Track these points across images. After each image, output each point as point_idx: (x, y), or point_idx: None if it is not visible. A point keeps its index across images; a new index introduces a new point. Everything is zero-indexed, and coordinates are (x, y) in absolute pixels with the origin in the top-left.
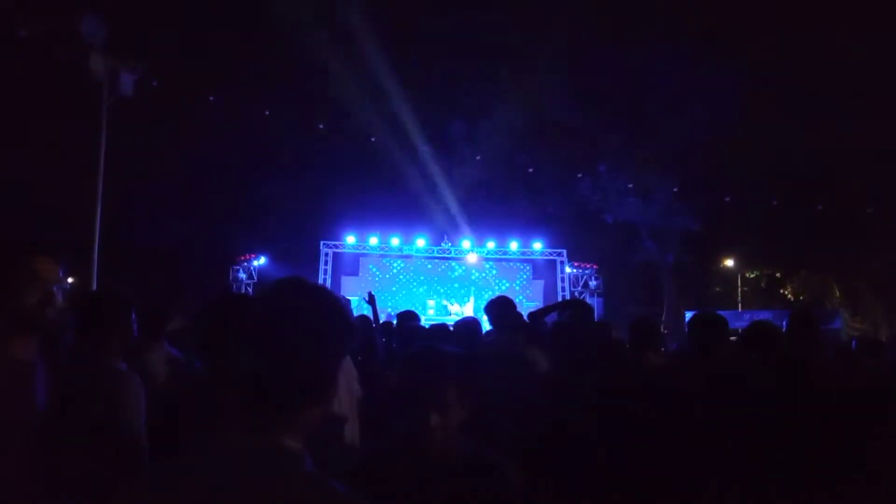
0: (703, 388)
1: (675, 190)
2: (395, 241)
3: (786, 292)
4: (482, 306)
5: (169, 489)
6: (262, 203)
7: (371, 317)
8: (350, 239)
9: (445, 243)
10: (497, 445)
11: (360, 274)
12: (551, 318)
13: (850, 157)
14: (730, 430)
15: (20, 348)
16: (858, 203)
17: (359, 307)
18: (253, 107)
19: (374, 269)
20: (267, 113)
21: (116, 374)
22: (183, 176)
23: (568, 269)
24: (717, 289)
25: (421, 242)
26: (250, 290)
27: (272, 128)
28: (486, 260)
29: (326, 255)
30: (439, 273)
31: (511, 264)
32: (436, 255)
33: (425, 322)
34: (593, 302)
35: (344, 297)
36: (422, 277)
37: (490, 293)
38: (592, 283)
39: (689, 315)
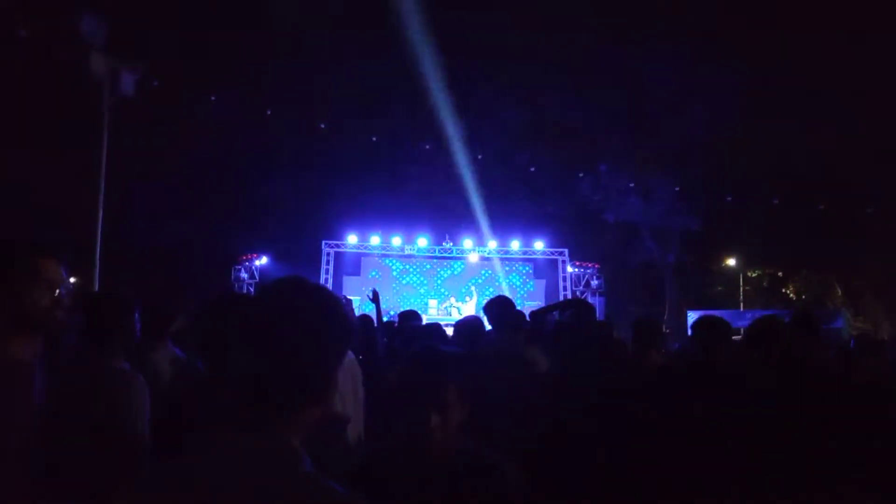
0: (704, 388)
1: (677, 189)
2: (396, 241)
3: (788, 292)
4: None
5: (169, 489)
6: (263, 203)
7: (374, 315)
8: (352, 238)
9: (447, 242)
10: (497, 445)
11: (362, 274)
12: (553, 317)
13: (851, 157)
14: (730, 430)
15: (21, 348)
16: (859, 203)
17: (360, 307)
18: (254, 106)
19: (376, 269)
20: (268, 112)
21: (118, 375)
22: (184, 176)
23: (569, 269)
24: (719, 288)
25: (422, 242)
26: (252, 289)
27: (273, 127)
28: (488, 259)
29: (328, 254)
30: (441, 272)
31: (512, 264)
32: (437, 254)
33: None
34: (595, 301)
35: (345, 297)
36: (423, 278)
37: (491, 292)
38: (594, 283)
39: (690, 315)
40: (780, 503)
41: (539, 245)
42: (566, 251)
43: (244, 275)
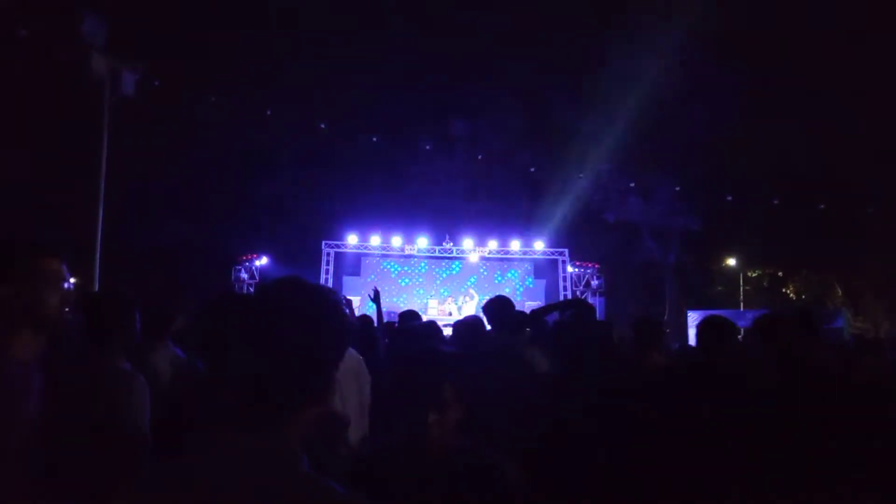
0: (704, 389)
1: (677, 189)
2: (396, 241)
3: (788, 292)
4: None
5: (169, 489)
6: (263, 203)
7: (375, 315)
8: (352, 238)
9: (447, 242)
10: (497, 445)
11: (362, 274)
12: (552, 317)
13: (851, 157)
14: (730, 431)
15: (22, 348)
16: (859, 203)
17: (361, 307)
18: (254, 106)
19: (375, 270)
20: (268, 112)
21: (118, 374)
22: (185, 176)
23: (569, 269)
24: (719, 288)
25: (422, 242)
26: (252, 290)
27: (274, 127)
28: (488, 259)
29: (328, 254)
30: (440, 272)
31: (512, 264)
32: (437, 254)
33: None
34: (595, 301)
35: (345, 297)
36: (423, 278)
37: (491, 292)
38: (594, 283)
39: (690, 314)
40: (780, 503)
41: (539, 245)
42: (566, 251)
43: (244, 275)
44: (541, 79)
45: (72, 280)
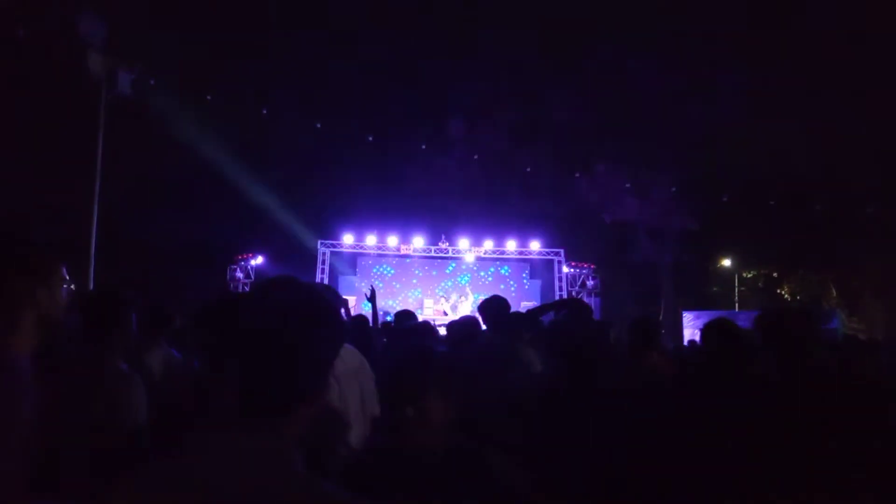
0: (702, 389)
1: (673, 189)
2: (392, 241)
3: (783, 292)
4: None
5: (167, 489)
6: (259, 202)
7: (370, 314)
8: (347, 238)
9: (442, 242)
10: (489, 445)
11: (358, 273)
12: (548, 317)
13: (847, 158)
14: (729, 430)
15: (21, 348)
16: (856, 203)
17: (357, 307)
18: (250, 105)
19: (372, 269)
20: (264, 111)
21: (117, 374)
22: (180, 175)
23: (565, 269)
24: (715, 288)
25: (418, 242)
26: (248, 289)
27: (269, 126)
28: (483, 259)
29: (324, 254)
30: (436, 272)
31: (508, 264)
32: (433, 254)
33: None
34: (590, 302)
35: (341, 297)
36: (419, 277)
37: (487, 293)
38: (590, 283)
39: (686, 315)
40: (781, 503)
41: (535, 245)
42: (562, 251)
43: (240, 274)
44: (537, 78)
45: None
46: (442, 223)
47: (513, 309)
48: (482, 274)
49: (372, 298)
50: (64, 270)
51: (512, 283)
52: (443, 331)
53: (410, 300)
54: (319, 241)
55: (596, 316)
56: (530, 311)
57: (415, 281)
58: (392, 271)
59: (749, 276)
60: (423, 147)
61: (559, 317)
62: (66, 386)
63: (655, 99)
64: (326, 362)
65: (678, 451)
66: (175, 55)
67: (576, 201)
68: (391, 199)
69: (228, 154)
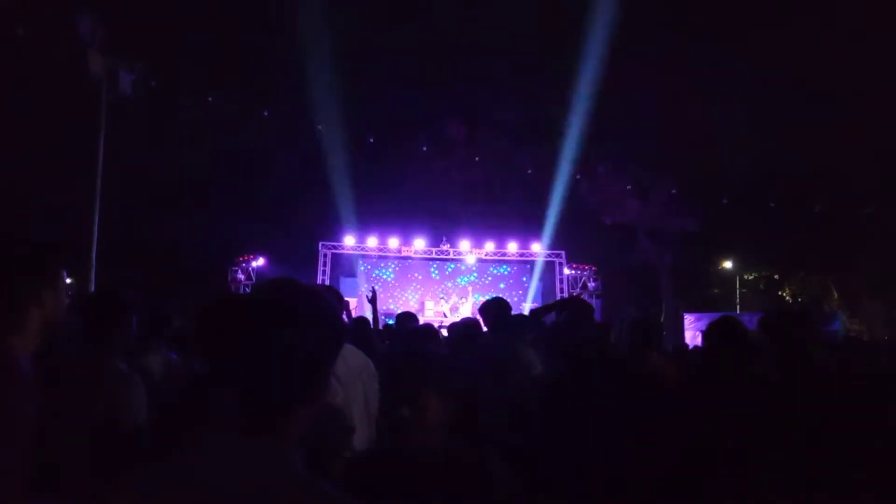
0: (702, 389)
1: (674, 191)
2: (393, 242)
3: (784, 294)
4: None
5: (167, 489)
6: (260, 204)
7: (370, 316)
8: (348, 240)
9: (444, 244)
10: (489, 447)
11: (359, 275)
12: (550, 317)
13: (848, 159)
14: (729, 431)
15: (24, 349)
16: (856, 204)
17: (358, 309)
18: (251, 107)
19: (373, 270)
20: (265, 113)
21: (117, 375)
22: (181, 176)
23: (566, 271)
24: (716, 290)
25: (419, 243)
26: (249, 290)
27: (270, 128)
28: (485, 261)
29: (325, 255)
30: (437, 274)
31: (509, 265)
32: (434, 255)
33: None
34: (591, 303)
35: (343, 298)
36: (420, 279)
37: (488, 294)
38: (591, 285)
39: (686, 317)
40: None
41: (536, 247)
42: (563, 253)
43: (241, 276)
44: (538, 79)
45: (68, 280)
46: (443, 225)
47: (513, 311)
48: (483, 276)
49: (373, 300)
50: (64, 273)
51: (513, 284)
52: (444, 332)
53: (411, 302)
54: (320, 243)
55: (597, 317)
56: (533, 312)
57: (417, 281)
58: (393, 273)
59: (750, 277)
60: (425, 148)
61: (561, 318)
62: (66, 386)
63: (656, 100)
64: (327, 363)
65: (678, 451)
66: (176, 55)
67: (577, 203)
68: (392, 200)
69: (229, 155)
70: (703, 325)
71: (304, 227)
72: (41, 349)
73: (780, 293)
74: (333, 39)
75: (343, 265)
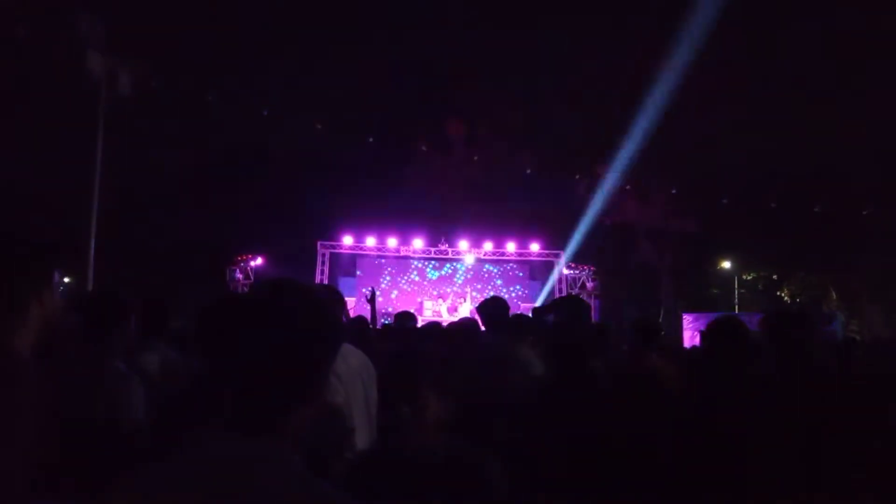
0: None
1: (673, 192)
2: (392, 242)
3: (783, 294)
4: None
5: (164, 490)
6: (259, 203)
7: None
8: (347, 239)
9: (442, 244)
10: (488, 446)
11: (357, 275)
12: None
13: (848, 159)
14: (728, 431)
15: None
16: (856, 205)
17: (356, 308)
18: (250, 106)
19: (371, 270)
20: (265, 113)
21: (117, 374)
22: (180, 176)
23: (565, 271)
24: (714, 290)
25: (418, 243)
26: (247, 290)
27: (269, 127)
28: (483, 261)
29: (323, 255)
30: (436, 274)
31: (508, 265)
32: (433, 255)
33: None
34: (590, 303)
35: (342, 297)
36: (418, 279)
37: (486, 294)
38: (589, 285)
39: (685, 317)
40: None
41: (534, 247)
42: (562, 253)
43: (239, 275)
44: (538, 80)
45: (66, 280)
46: (441, 224)
47: (512, 311)
48: (482, 275)
49: (371, 300)
50: (57, 273)
51: (511, 284)
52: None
53: (410, 302)
54: (319, 242)
55: (595, 318)
56: (534, 311)
57: (416, 281)
58: (391, 273)
59: (749, 278)
60: (424, 148)
61: (559, 317)
62: (66, 386)
63: (656, 101)
64: (326, 363)
65: (677, 451)
66: (176, 54)
67: (576, 203)
68: (391, 200)
69: (228, 155)
70: (701, 325)
71: (302, 227)
72: (41, 349)
73: (778, 293)
74: (334, 39)
75: (341, 265)
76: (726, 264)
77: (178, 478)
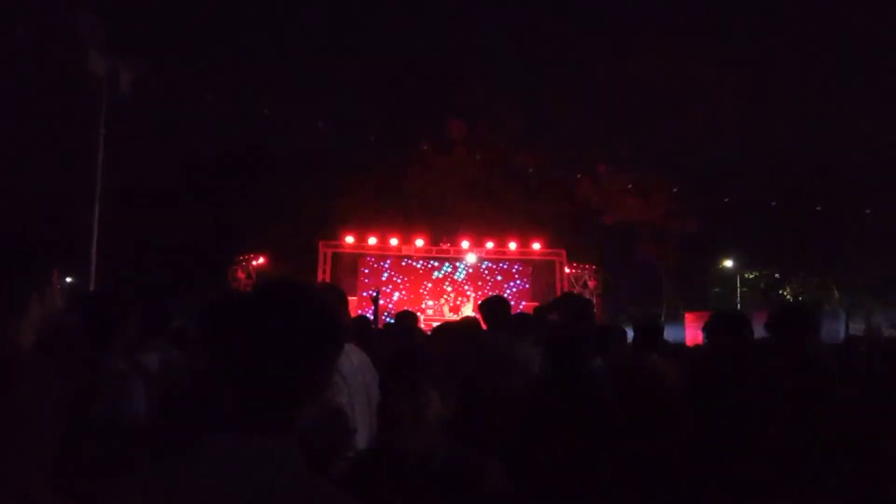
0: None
1: (675, 190)
2: (393, 242)
3: (785, 293)
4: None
5: (165, 489)
6: (261, 203)
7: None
8: (349, 239)
9: (444, 243)
10: (486, 445)
11: (359, 274)
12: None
13: (849, 158)
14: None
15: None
16: (857, 203)
17: (359, 307)
18: (253, 106)
19: (373, 270)
20: (266, 112)
21: (117, 374)
22: (182, 175)
23: (567, 270)
24: (716, 289)
25: (420, 242)
26: (250, 290)
27: (272, 127)
28: (485, 260)
29: (325, 255)
30: (437, 273)
31: (509, 264)
32: (434, 255)
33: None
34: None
35: (344, 297)
36: (420, 278)
37: (488, 293)
38: (591, 284)
39: (688, 316)
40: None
41: (536, 246)
42: (563, 252)
43: (241, 275)
44: (539, 79)
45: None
46: (443, 224)
47: (513, 310)
48: (483, 275)
49: (375, 300)
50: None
51: (513, 283)
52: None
53: (411, 301)
54: (321, 242)
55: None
56: (537, 310)
57: (416, 282)
58: (393, 272)
59: (751, 277)
60: (426, 148)
61: (561, 316)
62: (67, 385)
63: (658, 100)
64: (328, 362)
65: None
66: (178, 54)
67: (578, 202)
68: (393, 199)
69: (231, 154)
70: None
71: (304, 227)
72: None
73: (781, 292)
74: (336, 38)
75: (343, 264)
76: (728, 263)
77: (179, 477)
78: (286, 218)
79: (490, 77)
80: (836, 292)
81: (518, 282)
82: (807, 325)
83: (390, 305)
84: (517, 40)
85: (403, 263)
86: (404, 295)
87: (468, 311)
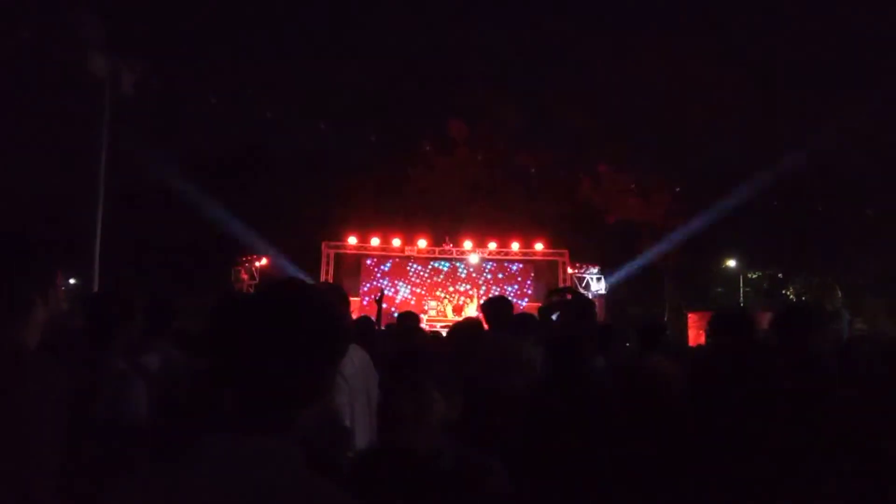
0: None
1: (677, 190)
2: (396, 242)
3: (788, 293)
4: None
5: (165, 490)
6: (264, 204)
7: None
8: (351, 239)
9: (446, 243)
10: (487, 445)
11: (362, 275)
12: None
13: (851, 157)
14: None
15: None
16: (860, 203)
17: (361, 308)
18: (255, 106)
19: (376, 270)
20: (268, 113)
21: (118, 374)
22: (184, 175)
23: (569, 270)
24: (719, 289)
25: (422, 243)
26: (253, 290)
27: (273, 127)
28: (487, 260)
29: (328, 255)
30: (440, 274)
31: (512, 265)
32: (437, 255)
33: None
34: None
35: (346, 297)
36: (422, 279)
37: (491, 294)
38: (594, 285)
39: (690, 316)
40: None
41: (539, 246)
42: (566, 252)
43: (244, 275)
44: (540, 78)
45: (71, 281)
46: (446, 224)
47: (516, 310)
48: (486, 275)
49: (379, 301)
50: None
51: (515, 284)
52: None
53: (414, 302)
54: (324, 243)
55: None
56: (540, 310)
57: (420, 281)
58: (396, 273)
59: (754, 276)
60: (428, 148)
61: (564, 317)
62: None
63: (660, 99)
64: (331, 364)
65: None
66: (181, 54)
67: (580, 202)
68: (395, 200)
69: (233, 154)
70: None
71: (307, 228)
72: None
73: (784, 292)
74: (338, 38)
75: (346, 265)
76: (731, 263)
77: (179, 477)
78: (287, 218)
79: (491, 77)
80: (838, 292)
81: (521, 282)
82: (810, 325)
83: (393, 308)
84: (517, 40)
85: (406, 264)
86: (407, 296)
87: (471, 311)
